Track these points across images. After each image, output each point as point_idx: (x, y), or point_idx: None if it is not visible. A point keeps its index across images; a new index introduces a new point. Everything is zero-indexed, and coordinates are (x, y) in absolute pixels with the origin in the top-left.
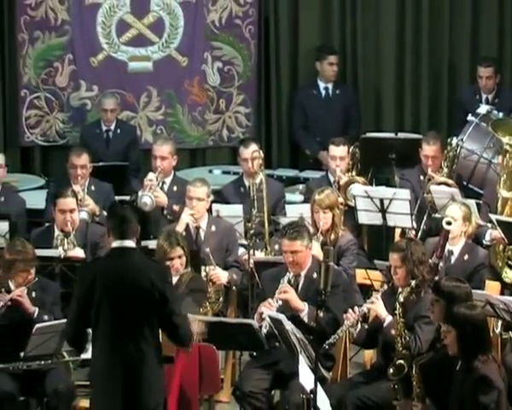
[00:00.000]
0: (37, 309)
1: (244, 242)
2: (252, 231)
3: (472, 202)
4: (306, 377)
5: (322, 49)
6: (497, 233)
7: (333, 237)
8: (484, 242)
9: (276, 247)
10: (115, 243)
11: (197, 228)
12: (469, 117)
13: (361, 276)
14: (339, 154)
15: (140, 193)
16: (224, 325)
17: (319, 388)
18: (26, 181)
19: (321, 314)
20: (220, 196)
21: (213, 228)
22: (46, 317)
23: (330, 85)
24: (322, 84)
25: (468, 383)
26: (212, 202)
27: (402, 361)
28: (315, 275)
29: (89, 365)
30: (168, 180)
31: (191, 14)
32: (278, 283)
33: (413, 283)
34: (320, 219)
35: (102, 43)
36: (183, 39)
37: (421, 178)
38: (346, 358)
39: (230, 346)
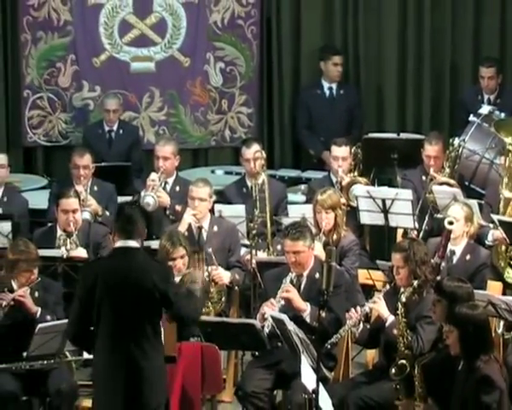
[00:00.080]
0: (39, 309)
1: (246, 242)
2: (254, 232)
3: (474, 203)
4: (308, 377)
5: (326, 49)
6: (499, 234)
7: (335, 237)
8: (486, 242)
9: (279, 247)
10: (119, 243)
11: (199, 228)
12: (471, 117)
13: (363, 276)
14: (341, 154)
15: (142, 193)
16: (226, 325)
17: (321, 388)
18: (28, 181)
19: (323, 314)
20: (222, 197)
21: (216, 228)
22: (49, 317)
23: (334, 85)
24: (326, 84)
25: (470, 383)
26: (215, 202)
27: (404, 361)
28: (317, 275)
29: (91, 365)
30: (171, 180)
31: (194, 14)
32: (280, 283)
33: (415, 283)
34: (322, 219)
35: (105, 43)
36: (185, 40)
37: (424, 178)
38: (348, 358)
39: (233, 346)
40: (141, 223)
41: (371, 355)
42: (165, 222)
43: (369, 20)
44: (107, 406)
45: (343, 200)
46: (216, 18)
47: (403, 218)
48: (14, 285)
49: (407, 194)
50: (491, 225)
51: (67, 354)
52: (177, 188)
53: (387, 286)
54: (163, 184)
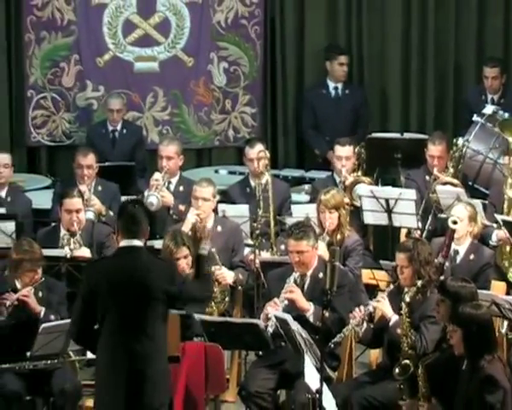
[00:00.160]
0: (43, 309)
1: (250, 242)
2: (258, 232)
3: (478, 203)
4: (312, 377)
5: (332, 49)
6: (503, 234)
7: (339, 237)
8: (490, 242)
9: (282, 247)
10: (123, 242)
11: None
12: (475, 117)
13: (367, 276)
14: (344, 154)
15: (146, 193)
16: (229, 324)
17: (325, 387)
18: (32, 181)
19: (326, 314)
20: (226, 196)
21: (219, 228)
22: (53, 317)
23: (340, 85)
24: (331, 84)
25: (474, 382)
26: (218, 202)
27: (408, 361)
28: (321, 275)
29: (94, 364)
30: (174, 180)
31: (197, 14)
32: (284, 283)
33: (419, 283)
34: (326, 219)
35: (108, 43)
36: (189, 40)
37: (427, 178)
38: (351, 358)
39: (236, 346)
40: (145, 222)
41: (375, 355)
42: (169, 222)
43: (372, 20)
44: (109, 404)
45: (346, 199)
46: (219, 18)
47: (406, 218)
48: (18, 285)
49: (411, 194)
50: (495, 225)
51: (71, 353)
52: (181, 188)
53: (391, 286)
54: (167, 184)
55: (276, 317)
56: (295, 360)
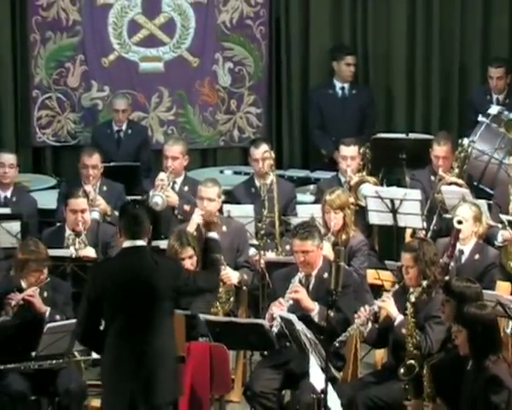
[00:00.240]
0: (49, 309)
1: (255, 242)
2: (262, 232)
3: (483, 203)
4: (317, 377)
5: (339, 49)
6: (509, 234)
7: (344, 237)
8: (495, 243)
9: (287, 247)
10: (127, 243)
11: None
12: (480, 118)
13: (372, 276)
14: (349, 154)
15: (151, 193)
16: (234, 325)
17: (330, 388)
18: (37, 181)
19: (331, 314)
20: (231, 197)
21: (224, 228)
22: (58, 317)
23: (347, 85)
24: (338, 84)
25: (479, 382)
26: (223, 202)
27: (413, 361)
28: (326, 275)
29: (100, 364)
30: (179, 180)
31: (202, 14)
32: (289, 283)
33: (424, 283)
34: (331, 219)
35: (114, 43)
36: (194, 40)
37: (432, 178)
38: (356, 358)
39: (241, 346)
40: (147, 222)
41: (380, 355)
42: (174, 222)
43: (377, 21)
44: (116, 404)
45: (352, 199)
46: (224, 18)
47: (411, 218)
48: (24, 285)
49: (415, 194)
50: (500, 226)
51: (76, 353)
52: (186, 188)
53: (396, 286)
54: (171, 184)
55: (281, 317)
56: (300, 360)
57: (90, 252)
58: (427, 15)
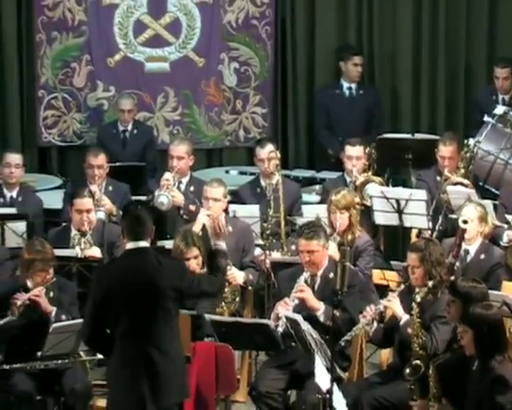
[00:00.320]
0: (54, 309)
1: (260, 242)
2: (268, 232)
3: (488, 203)
4: (322, 377)
5: (346, 49)
6: None
7: (350, 237)
8: (501, 243)
9: (293, 247)
10: (130, 245)
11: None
12: (486, 118)
13: (377, 276)
14: (355, 154)
15: (156, 193)
16: (240, 325)
17: (335, 388)
18: (43, 181)
19: (337, 313)
20: (237, 197)
21: (230, 228)
22: (64, 317)
23: (354, 85)
24: (345, 84)
25: (485, 383)
26: (229, 202)
27: (418, 362)
28: (331, 275)
29: (105, 364)
30: (185, 180)
31: (208, 14)
32: (294, 283)
33: (430, 283)
34: (337, 219)
35: (119, 43)
36: (199, 40)
37: (438, 178)
38: (362, 358)
39: (247, 346)
40: (150, 222)
41: (385, 356)
42: (179, 222)
43: (383, 21)
44: (121, 404)
45: (357, 199)
46: (230, 18)
47: (417, 218)
48: (30, 285)
49: (421, 194)
50: (506, 226)
51: (82, 353)
52: (192, 188)
53: (402, 286)
54: (177, 184)
55: (287, 317)
56: (306, 361)
57: (95, 252)
58: (432, 15)
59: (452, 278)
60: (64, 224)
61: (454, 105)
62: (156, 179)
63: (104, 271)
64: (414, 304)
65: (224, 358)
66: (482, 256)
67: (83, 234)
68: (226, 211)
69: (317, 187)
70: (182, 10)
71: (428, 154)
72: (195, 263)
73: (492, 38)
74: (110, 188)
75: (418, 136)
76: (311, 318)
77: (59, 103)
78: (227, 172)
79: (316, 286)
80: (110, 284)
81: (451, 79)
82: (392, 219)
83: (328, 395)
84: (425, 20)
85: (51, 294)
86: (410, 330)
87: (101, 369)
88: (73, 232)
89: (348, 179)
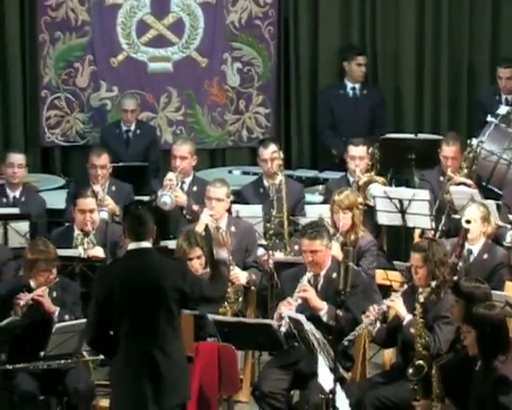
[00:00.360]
0: (58, 309)
1: (263, 242)
2: (271, 232)
3: (491, 203)
4: (325, 378)
5: (350, 49)
6: None
7: (353, 237)
8: (504, 243)
9: (296, 247)
10: (132, 245)
11: (217, 228)
12: (489, 118)
13: (380, 277)
14: (358, 154)
15: (159, 193)
16: (243, 325)
17: (338, 388)
18: (46, 181)
19: (340, 313)
20: (240, 197)
21: (233, 228)
22: (67, 317)
23: (358, 86)
24: (349, 85)
25: (488, 383)
26: (232, 202)
27: (421, 362)
28: (334, 275)
29: (108, 364)
30: (188, 180)
31: (211, 14)
32: (297, 283)
33: (433, 283)
34: (340, 219)
35: (122, 43)
36: (202, 40)
37: (441, 178)
38: (365, 358)
39: (250, 346)
40: (151, 222)
41: (388, 356)
42: (182, 222)
43: (386, 21)
44: (124, 404)
45: (360, 199)
46: (233, 18)
47: (420, 218)
48: (33, 285)
49: (424, 194)
50: (509, 226)
51: (85, 353)
52: (195, 188)
53: (405, 286)
54: (180, 184)
55: (290, 317)
56: (309, 361)
57: (98, 252)
58: (436, 16)
59: (455, 278)
60: (67, 224)
61: (457, 105)
62: (159, 179)
63: (107, 271)
64: (417, 304)
65: (227, 358)
66: (485, 256)
67: (86, 234)
68: (229, 211)
69: (320, 187)
70: (185, 10)
71: (431, 154)
72: (198, 263)
73: (495, 38)
74: (113, 188)
75: (421, 136)
76: (314, 318)
77: (62, 103)
78: (230, 172)
79: (319, 286)
80: (113, 284)
81: (454, 79)
82: (395, 220)
83: (331, 395)
84: (428, 21)
85: (54, 294)
86: (413, 331)
87: (104, 369)
88: (76, 232)
89: (351, 179)
